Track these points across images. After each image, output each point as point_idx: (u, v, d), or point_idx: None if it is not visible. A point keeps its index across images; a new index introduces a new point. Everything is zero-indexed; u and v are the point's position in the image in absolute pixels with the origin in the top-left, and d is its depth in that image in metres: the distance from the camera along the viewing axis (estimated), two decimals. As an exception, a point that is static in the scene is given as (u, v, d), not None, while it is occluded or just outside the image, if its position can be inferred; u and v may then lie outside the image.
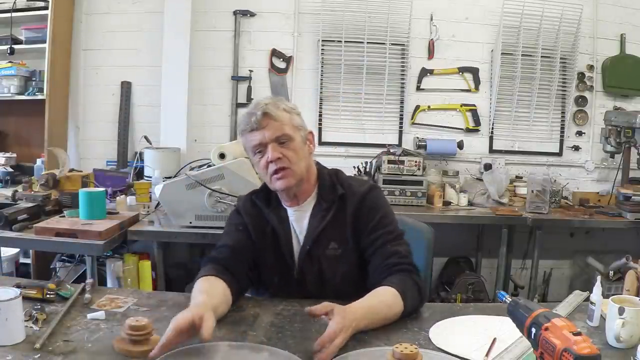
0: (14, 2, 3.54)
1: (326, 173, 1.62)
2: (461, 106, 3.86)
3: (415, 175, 3.38)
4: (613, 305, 1.27)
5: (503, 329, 1.27)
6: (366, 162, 3.57)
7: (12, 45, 3.55)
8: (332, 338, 1.16)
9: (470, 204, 3.46)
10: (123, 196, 3.02)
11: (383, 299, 1.37)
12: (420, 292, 1.45)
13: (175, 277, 3.09)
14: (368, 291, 1.40)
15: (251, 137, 1.50)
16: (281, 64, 3.83)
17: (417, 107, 3.84)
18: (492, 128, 3.87)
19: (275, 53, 3.81)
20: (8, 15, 3.53)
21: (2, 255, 3.08)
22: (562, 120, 3.88)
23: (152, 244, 2.73)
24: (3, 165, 3.59)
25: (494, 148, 3.89)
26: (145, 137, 3.62)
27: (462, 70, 3.83)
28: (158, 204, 2.81)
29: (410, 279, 1.44)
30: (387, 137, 3.80)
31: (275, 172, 1.48)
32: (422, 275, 1.55)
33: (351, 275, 1.54)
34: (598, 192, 3.70)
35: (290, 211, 1.58)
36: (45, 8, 3.49)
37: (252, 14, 3.79)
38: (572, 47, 3.78)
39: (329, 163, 1.71)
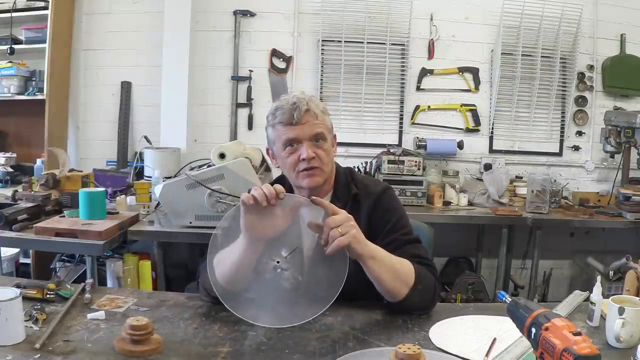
0: (14, 2, 3.54)
1: (342, 172, 1.62)
2: (461, 106, 3.86)
3: (415, 175, 3.39)
4: (613, 305, 1.27)
5: (503, 329, 1.27)
6: (366, 162, 3.57)
7: (12, 45, 3.55)
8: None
9: (470, 204, 3.46)
10: (123, 196, 3.02)
11: (399, 259, 1.39)
12: (434, 292, 1.44)
13: (175, 277, 3.09)
14: (376, 294, 1.40)
15: (286, 130, 1.47)
16: (281, 64, 3.83)
17: (417, 107, 3.84)
18: (492, 128, 3.87)
19: (275, 53, 3.81)
20: (8, 15, 3.53)
21: (2, 255, 3.08)
22: (562, 120, 3.88)
23: (152, 244, 2.73)
24: (3, 165, 3.59)
25: (494, 148, 3.90)
26: (145, 137, 3.63)
27: (462, 70, 3.83)
28: (158, 204, 2.81)
29: (431, 274, 1.45)
30: (387, 137, 3.81)
31: (305, 169, 1.47)
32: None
33: (359, 276, 1.51)
34: (598, 192, 3.70)
35: None
36: (45, 8, 3.50)
37: (252, 14, 3.79)
38: (572, 47, 3.78)
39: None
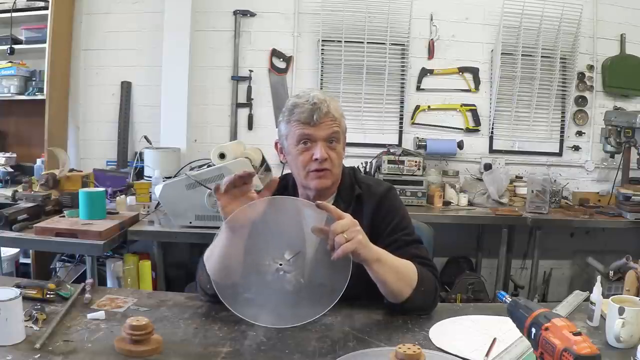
0: (14, 2, 3.54)
1: (346, 173, 1.61)
2: (461, 106, 3.86)
3: (415, 175, 3.39)
4: (613, 305, 1.27)
5: (503, 329, 1.28)
6: (366, 162, 3.57)
7: (12, 45, 3.55)
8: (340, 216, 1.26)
9: (470, 204, 3.46)
10: (123, 196, 3.02)
11: (403, 261, 1.38)
12: (436, 292, 1.44)
13: (175, 277, 3.09)
14: (377, 294, 1.40)
15: (302, 128, 1.45)
16: (281, 64, 3.83)
17: (417, 107, 3.84)
18: (492, 128, 3.87)
19: (275, 53, 3.81)
20: (8, 15, 3.53)
21: (2, 255, 3.08)
22: (562, 120, 3.88)
23: (152, 244, 2.73)
24: (3, 165, 3.59)
25: (494, 148, 3.90)
26: (145, 137, 3.63)
27: (462, 70, 3.83)
28: (158, 204, 2.82)
29: (433, 275, 1.45)
30: (387, 137, 3.81)
31: (316, 170, 1.46)
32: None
33: (360, 277, 1.42)
34: (598, 192, 3.70)
35: None
36: (45, 8, 3.50)
37: (252, 14, 3.79)
38: (572, 47, 3.78)
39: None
